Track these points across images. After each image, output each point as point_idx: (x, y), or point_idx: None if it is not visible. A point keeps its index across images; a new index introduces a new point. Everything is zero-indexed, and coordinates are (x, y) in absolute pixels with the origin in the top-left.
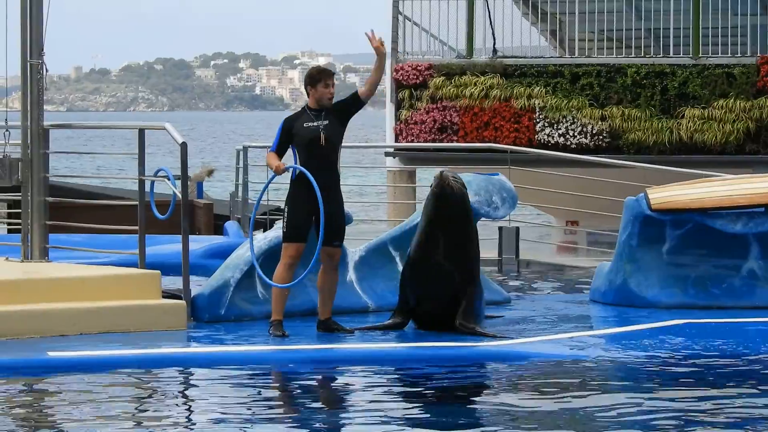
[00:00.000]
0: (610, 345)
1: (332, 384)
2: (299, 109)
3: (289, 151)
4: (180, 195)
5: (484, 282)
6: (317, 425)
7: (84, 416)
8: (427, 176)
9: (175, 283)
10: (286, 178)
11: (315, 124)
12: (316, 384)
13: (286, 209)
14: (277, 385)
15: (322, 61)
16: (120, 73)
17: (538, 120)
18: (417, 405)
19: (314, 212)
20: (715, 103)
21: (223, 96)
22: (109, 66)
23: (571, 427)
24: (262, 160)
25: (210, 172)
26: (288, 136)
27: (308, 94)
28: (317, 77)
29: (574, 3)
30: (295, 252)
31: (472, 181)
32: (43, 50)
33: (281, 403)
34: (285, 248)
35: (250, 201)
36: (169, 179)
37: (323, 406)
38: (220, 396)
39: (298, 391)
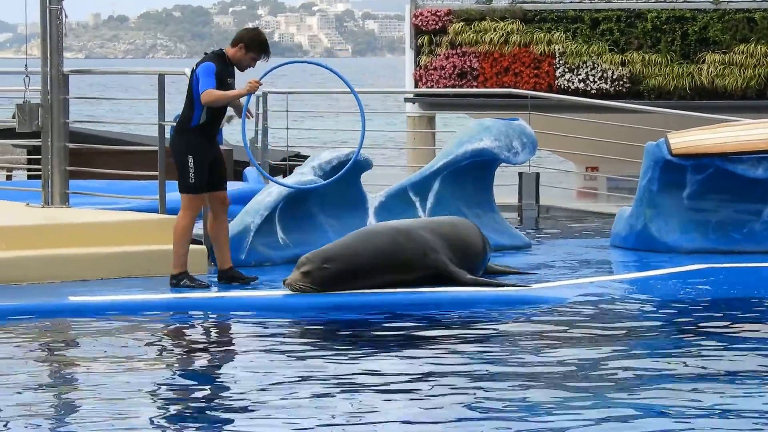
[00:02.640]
0: (631, 289)
1: (362, 329)
2: (214, 52)
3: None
4: None
5: (504, 228)
6: (335, 367)
7: (103, 359)
8: (447, 122)
9: (195, 228)
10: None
11: (233, 81)
12: (334, 329)
13: (192, 158)
14: (296, 330)
15: (340, 8)
16: (138, 20)
17: (558, 65)
18: (441, 348)
19: (211, 162)
20: (736, 48)
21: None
22: (127, 13)
23: (591, 371)
24: (281, 106)
25: (229, 119)
26: (216, 84)
27: (235, 47)
28: (257, 48)
29: None
30: (201, 203)
31: (492, 126)
32: None
33: (298, 348)
34: (191, 200)
35: (269, 147)
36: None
37: (341, 349)
38: (240, 340)
39: (315, 336)
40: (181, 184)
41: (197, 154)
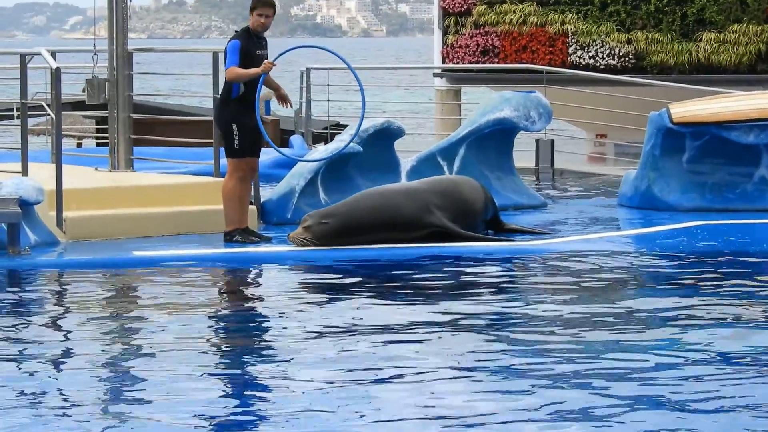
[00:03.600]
0: (636, 244)
1: (386, 276)
2: (243, 28)
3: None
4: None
5: (523, 189)
6: (375, 314)
7: (161, 306)
8: (471, 95)
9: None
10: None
11: (263, 52)
12: (360, 280)
13: (235, 126)
14: (340, 281)
15: None
16: (195, 4)
17: (570, 43)
18: (459, 296)
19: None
20: (730, 28)
21: (287, 24)
22: None
23: (599, 317)
24: (322, 80)
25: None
26: (244, 58)
27: (250, 17)
28: (258, 3)
29: None
30: (247, 166)
31: (512, 98)
32: None
33: (340, 294)
34: (237, 164)
35: (313, 117)
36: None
37: (377, 295)
38: (288, 290)
39: (340, 288)
40: (227, 149)
41: (240, 122)
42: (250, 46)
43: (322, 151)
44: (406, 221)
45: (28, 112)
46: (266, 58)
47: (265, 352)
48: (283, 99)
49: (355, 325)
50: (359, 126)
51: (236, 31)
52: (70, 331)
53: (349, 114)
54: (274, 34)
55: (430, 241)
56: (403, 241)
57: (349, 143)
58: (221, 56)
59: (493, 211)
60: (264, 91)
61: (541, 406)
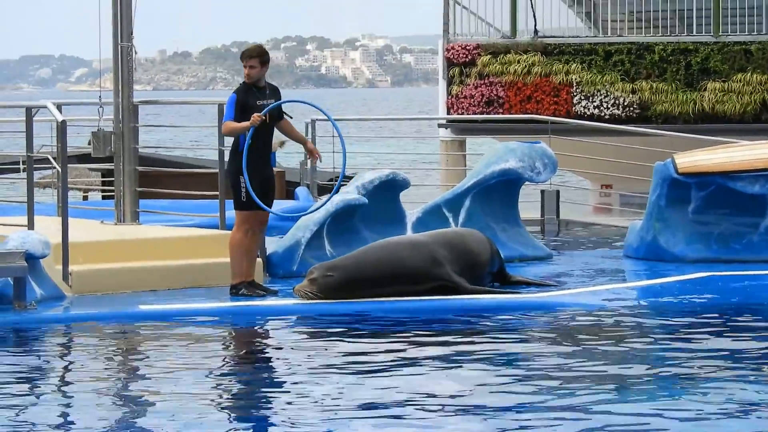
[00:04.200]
0: (642, 295)
1: (384, 333)
2: (241, 83)
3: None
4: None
5: (528, 240)
6: (379, 368)
7: (170, 362)
8: (476, 145)
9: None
10: None
11: (264, 102)
12: (373, 333)
13: (242, 179)
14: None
15: (380, 43)
16: (200, 56)
17: (575, 93)
18: (465, 349)
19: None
20: (734, 77)
21: (292, 75)
22: (190, 49)
23: (606, 370)
24: (327, 132)
25: (282, 144)
26: (242, 111)
27: (243, 61)
28: (242, 56)
29: None
30: (255, 218)
31: (517, 149)
32: (132, 34)
33: (346, 348)
34: (244, 216)
35: (318, 169)
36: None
37: (379, 352)
38: (293, 345)
39: (362, 340)
40: (235, 201)
41: (248, 175)
42: (248, 98)
43: (320, 203)
44: (412, 274)
45: (34, 165)
46: (264, 107)
47: (270, 406)
48: (311, 153)
49: (361, 379)
50: (340, 179)
51: (238, 86)
52: (77, 386)
53: (355, 165)
54: (279, 86)
55: (436, 294)
56: (409, 294)
57: (326, 201)
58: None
59: (499, 263)
60: (273, 141)
61: None
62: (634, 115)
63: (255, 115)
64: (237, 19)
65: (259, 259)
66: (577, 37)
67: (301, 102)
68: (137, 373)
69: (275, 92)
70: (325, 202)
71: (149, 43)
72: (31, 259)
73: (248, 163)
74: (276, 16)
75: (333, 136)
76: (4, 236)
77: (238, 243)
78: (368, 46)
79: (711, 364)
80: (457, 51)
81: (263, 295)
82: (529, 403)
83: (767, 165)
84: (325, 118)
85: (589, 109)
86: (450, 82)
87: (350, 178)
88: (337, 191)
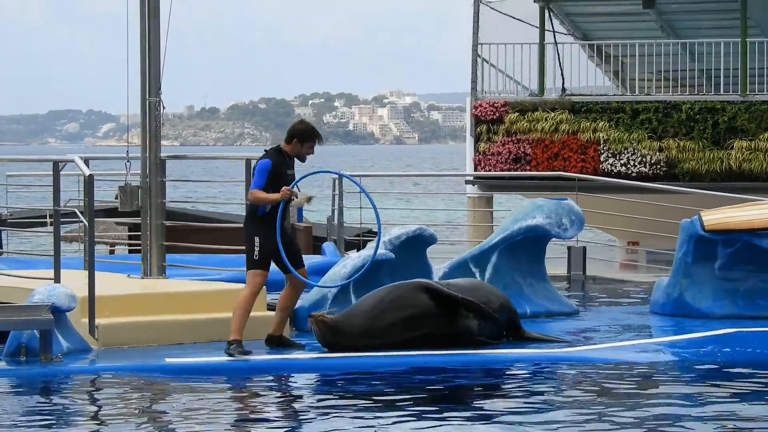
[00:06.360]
0: (669, 351)
1: (411, 386)
2: (274, 147)
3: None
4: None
5: (554, 296)
6: (402, 424)
7: (195, 416)
8: (503, 202)
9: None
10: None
11: (293, 172)
12: (404, 387)
13: (257, 240)
14: (381, 389)
15: (408, 100)
16: (227, 111)
17: (602, 151)
18: (496, 402)
19: (275, 248)
20: (762, 135)
21: (320, 132)
22: (217, 105)
23: (631, 426)
24: (354, 188)
25: (309, 199)
26: (274, 178)
27: (290, 143)
28: (309, 137)
29: (634, 47)
30: (263, 279)
31: (544, 205)
32: (160, 89)
33: (382, 404)
34: (254, 275)
35: (345, 224)
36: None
37: (408, 405)
38: (322, 399)
39: (394, 392)
40: (247, 260)
41: (262, 238)
42: (282, 167)
43: (354, 257)
44: (421, 318)
45: (61, 219)
46: (294, 178)
47: None
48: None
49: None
50: (377, 244)
51: (266, 150)
52: None
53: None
54: None
55: (452, 347)
56: (422, 342)
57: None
58: (253, 163)
59: (509, 314)
60: (297, 198)
61: None
62: (661, 173)
63: (285, 189)
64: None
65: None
66: (605, 95)
67: (328, 172)
68: (162, 426)
69: (293, 162)
70: (357, 276)
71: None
72: (58, 312)
73: (265, 227)
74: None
75: (359, 192)
76: (30, 289)
77: (242, 300)
78: (396, 103)
79: (737, 421)
80: (485, 108)
81: (249, 353)
82: None
83: None
84: (352, 175)
85: (616, 166)
86: (477, 139)
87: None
88: (372, 261)
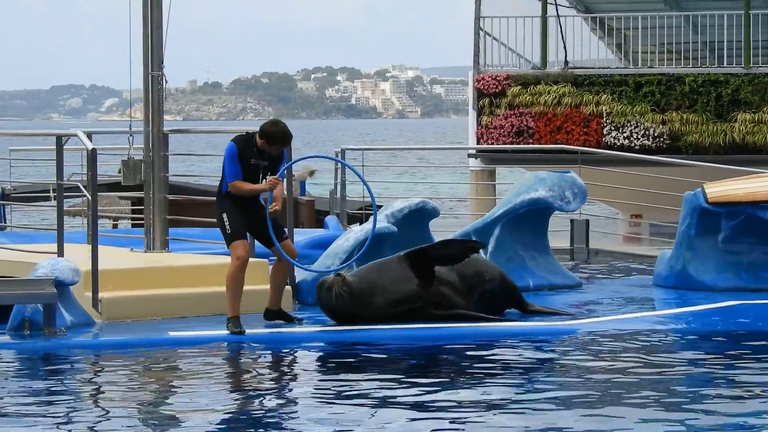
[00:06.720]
0: (672, 324)
1: (416, 358)
2: (247, 134)
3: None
4: (285, 192)
5: (557, 269)
6: (401, 394)
7: (198, 388)
8: (506, 175)
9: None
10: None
11: (257, 162)
12: (404, 358)
13: (225, 216)
14: (385, 362)
15: (410, 74)
16: (230, 86)
17: (605, 124)
18: (498, 376)
19: (247, 221)
20: (765, 108)
21: (322, 106)
22: (220, 80)
23: (635, 396)
24: (358, 163)
25: (311, 173)
26: (240, 163)
27: (261, 139)
28: (274, 141)
29: (637, 19)
30: (244, 249)
31: (547, 178)
32: (162, 63)
33: (371, 376)
34: (233, 248)
35: (347, 198)
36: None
37: (408, 376)
38: (320, 371)
39: (392, 363)
40: (224, 237)
41: (229, 213)
42: (246, 154)
43: (356, 231)
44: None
45: (65, 193)
46: (262, 168)
47: None
48: (274, 199)
49: (388, 404)
50: (374, 223)
51: (238, 135)
52: (106, 411)
53: (384, 195)
54: (309, 116)
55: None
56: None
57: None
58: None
59: (506, 288)
60: (300, 171)
61: None
62: (664, 145)
63: (272, 178)
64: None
65: (288, 287)
66: (608, 68)
67: (311, 157)
68: (166, 399)
69: (268, 155)
70: (354, 260)
71: (180, 74)
72: (61, 286)
73: (232, 203)
74: (306, 46)
75: (362, 166)
76: (34, 263)
77: (229, 278)
78: (398, 77)
79: (739, 391)
80: (488, 82)
81: (242, 333)
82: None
83: None
84: (355, 149)
85: (619, 139)
86: (480, 113)
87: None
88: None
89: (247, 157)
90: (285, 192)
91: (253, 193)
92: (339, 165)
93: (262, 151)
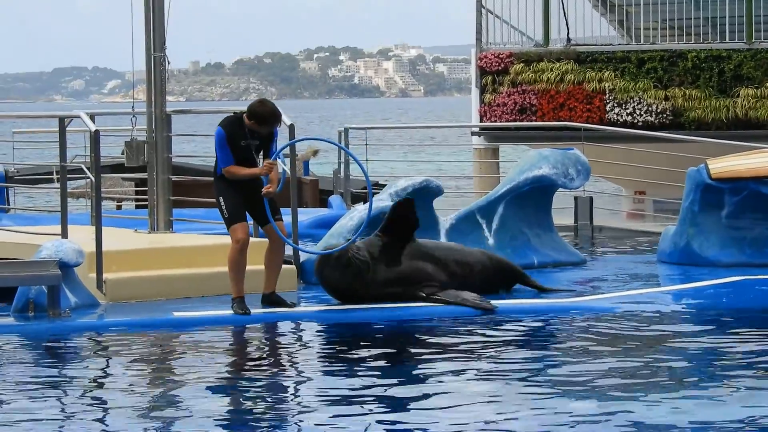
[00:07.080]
0: (676, 299)
1: (414, 336)
2: (235, 115)
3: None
4: (288, 172)
5: (562, 246)
6: (405, 371)
7: (203, 369)
8: (509, 152)
9: (286, 250)
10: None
11: (248, 142)
12: (400, 336)
13: (222, 198)
14: (386, 341)
15: (413, 53)
16: (233, 67)
17: (608, 101)
18: (503, 352)
19: (244, 200)
20: None
21: (325, 85)
22: (223, 60)
23: (639, 372)
24: (362, 141)
25: (315, 152)
26: (230, 146)
27: (249, 120)
28: (263, 121)
29: None
30: (243, 231)
31: (550, 155)
32: (165, 44)
33: (369, 353)
34: (233, 231)
35: (351, 177)
36: (279, 159)
37: (404, 354)
38: (326, 350)
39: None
40: (223, 220)
41: (225, 195)
42: (235, 137)
43: (360, 209)
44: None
45: (68, 175)
46: (253, 148)
47: (304, 413)
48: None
49: (385, 385)
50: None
51: (227, 116)
52: (111, 393)
53: (388, 173)
54: (312, 96)
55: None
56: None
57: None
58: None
59: (505, 272)
60: (303, 151)
61: None
62: (667, 122)
63: (267, 162)
64: (270, 30)
65: (293, 267)
66: (610, 45)
67: (305, 139)
68: (171, 380)
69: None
70: (351, 242)
71: (182, 55)
72: (65, 267)
73: (228, 184)
74: (309, 26)
75: (365, 145)
76: (38, 245)
77: (230, 260)
78: (401, 56)
79: (744, 367)
80: (490, 59)
81: (248, 313)
82: (556, 410)
83: None
84: (358, 128)
85: (622, 116)
86: (483, 91)
87: (382, 186)
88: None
89: (237, 139)
90: (284, 172)
91: (248, 177)
92: (345, 136)
93: (252, 130)
